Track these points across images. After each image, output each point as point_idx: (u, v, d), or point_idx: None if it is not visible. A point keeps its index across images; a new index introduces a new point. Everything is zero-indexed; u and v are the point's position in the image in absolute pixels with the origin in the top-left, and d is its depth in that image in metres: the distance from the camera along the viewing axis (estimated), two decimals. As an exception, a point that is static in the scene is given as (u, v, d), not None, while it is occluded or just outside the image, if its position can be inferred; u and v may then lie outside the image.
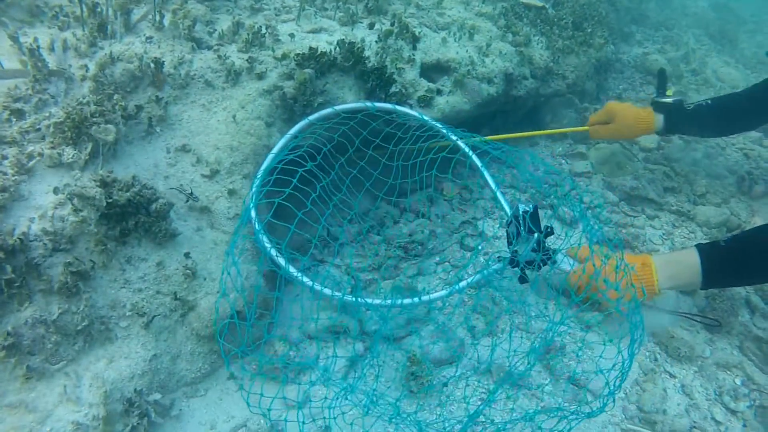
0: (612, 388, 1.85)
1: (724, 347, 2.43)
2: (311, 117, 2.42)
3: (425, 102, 2.80)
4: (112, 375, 1.85)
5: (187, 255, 2.06)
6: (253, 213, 2.11)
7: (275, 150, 2.31)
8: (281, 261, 2.05)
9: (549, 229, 2.12)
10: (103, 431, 1.73)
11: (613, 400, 1.87)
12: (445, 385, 2.15)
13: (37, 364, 1.76)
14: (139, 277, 2.01)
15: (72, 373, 1.80)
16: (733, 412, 2.20)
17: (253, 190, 2.15)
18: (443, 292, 2.17)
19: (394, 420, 1.90)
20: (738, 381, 2.31)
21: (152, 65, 2.34)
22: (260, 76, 2.50)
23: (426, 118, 2.51)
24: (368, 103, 2.48)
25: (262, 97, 2.44)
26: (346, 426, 1.93)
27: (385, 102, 2.61)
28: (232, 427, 1.95)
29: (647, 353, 2.37)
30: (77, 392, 1.77)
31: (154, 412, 1.87)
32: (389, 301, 2.12)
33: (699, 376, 2.31)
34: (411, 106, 2.76)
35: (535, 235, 2.09)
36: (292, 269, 2.05)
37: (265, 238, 2.07)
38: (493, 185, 2.43)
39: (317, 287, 2.06)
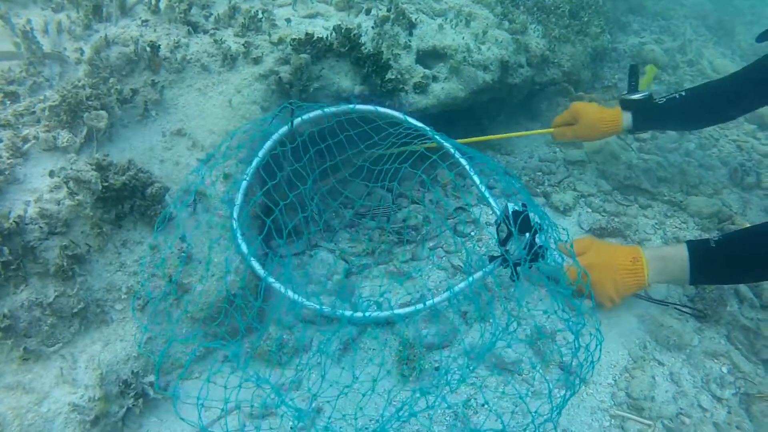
0: (553, 414, 1.86)
1: (712, 336, 2.47)
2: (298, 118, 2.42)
3: (421, 88, 2.80)
4: (107, 357, 1.86)
5: (182, 238, 2.07)
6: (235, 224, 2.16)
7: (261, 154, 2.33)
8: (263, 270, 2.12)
9: (539, 227, 2.13)
10: (99, 413, 1.75)
11: (555, 426, 1.87)
12: (437, 369, 2.17)
13: (33, 346, 1.78)
14: (135, 261, 2.02)
15: (68, 355, 1.82)
16: (719, 400, 2.23)
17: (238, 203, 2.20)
18: (420, 306, 2.21)
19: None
20: (725, 369, 2.35)
21: (148, 49, 2.33)
22: (256, 61, 2.49)
23: (411, 120, 2.47)
24: (350, 106, 2.46)
25: (258, 82, 2.44)
26: (338, 408, 1.97)
27: (381, 89, 2.62)
28: (227, 409, 1.97)
29: (637, 341, 2.40)
30: (73, 374, 1.79)
31: (152, 392, 1.90)
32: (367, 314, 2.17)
33: (687, 364, 2.35)
34: (406, 92, 2.76)
35: (526, 235, 2.09)
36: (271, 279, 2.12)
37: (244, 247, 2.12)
38: (480, 186, 2.41)
39: (294, 296, 2.10)
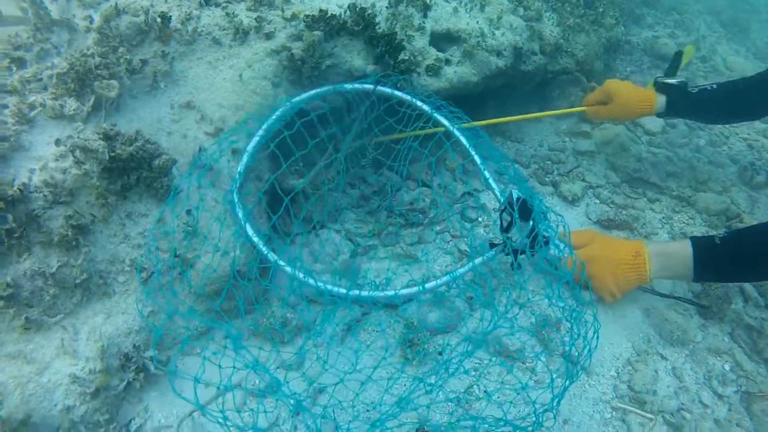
0: (553, 403, 1.81)
1: (716, 333, 2.45)
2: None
3: (433, 71, 2.77)
4: (109, 330, 1.85)
5: (188, 212, 2.04)
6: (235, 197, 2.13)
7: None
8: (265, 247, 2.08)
9: (543, 215, 2.10)
10: (99, 385, 1.74)
11: (554, 416, 1.84)
12: (440, 353, 2.16)
13: (35, 316, 1.75)
14: (139, 233, 2.00)
15: (69, 327, 1.80)
16: (720, 397, 2.23)
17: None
18: (418, 288, 2.16)
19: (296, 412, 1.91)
20: (727, 367, 2.34)
21: (159, 20, 2.29)
22: (268, 36, 2.45)
23: (419, 102, 2.44)
24: (368, 85, 2.43)
25: (269, 57, 2.40)
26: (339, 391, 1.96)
27: (393, 69, 2.58)
28: (228, 386, 1.96)
29: (641, 334, 2.39)
30: (74, 345, 1.77)
31: (153, 367, 1.88)
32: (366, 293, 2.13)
33: (690, 360, 2.34)
34: (419, 74, 2.72)
35: (530, 222, 2.06)
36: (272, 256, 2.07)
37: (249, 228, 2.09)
38: (484, 172, 2.38)
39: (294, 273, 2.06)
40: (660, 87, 2.90)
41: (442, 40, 2.98)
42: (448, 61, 2.88)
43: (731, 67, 4.77)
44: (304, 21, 2.46)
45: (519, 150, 3.39)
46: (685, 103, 2.87)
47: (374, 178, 2.80)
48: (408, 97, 2.43)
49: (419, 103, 2.43)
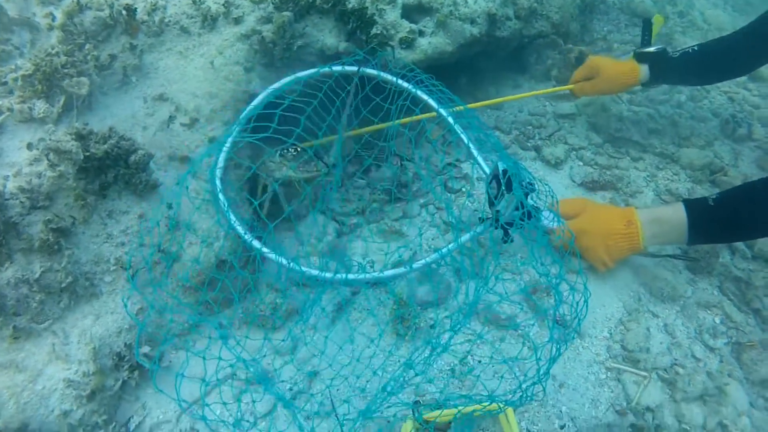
0: (539, 374, 1.80)
1: (705, 287, 2.48)
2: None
3: (407, 43, 2.72)
4: (99, 331, 1.84)
5: (169, 206, 2.02)
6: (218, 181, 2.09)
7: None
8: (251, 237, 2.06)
9: (531, 186, 2.09)
10: (94, 387, 1.73)
11: (544, 390, 1.85)
12: (432, 327, 2.17)
13: (23, 324, 1.74)
14: (122, 231, 1.98)
15: (59, 331, 1.79)
16: (712, 349, 2.26)
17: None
18: (404, 269, 2.17)
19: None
20: (717, 320, 2.37)
21: (124, 12, 2.24)
22: (237, 21, 2.41)
23: (401, 82, 2.40)
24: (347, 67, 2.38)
25: (240, 42, 2.35)
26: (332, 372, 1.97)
27: (366, 44, 2.54)
28: (223, 377, 1.96)
29: (631, 293, 2.41)
30: (66, 350, 1.76)
31: (148, 364, 1.88)
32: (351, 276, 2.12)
33: (681, 316, 2.36)
34: (393, 48, 2.68)
35: (517, 194, 2.05)
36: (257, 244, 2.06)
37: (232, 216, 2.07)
38: (470, 146, 2.35)
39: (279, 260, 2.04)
40: (640, 57, 2.91)
41: (414, 11, 2.93)
42: (421, 33, 2.83)
43: (709, 20, 4.74)
44: (272, 3, 2.41)
45: (499, 117, 3.37)
46: (667, 69, 2.88)
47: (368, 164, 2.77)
48: (390, 77, 2.39)
49: (400, 82, 2.39)
